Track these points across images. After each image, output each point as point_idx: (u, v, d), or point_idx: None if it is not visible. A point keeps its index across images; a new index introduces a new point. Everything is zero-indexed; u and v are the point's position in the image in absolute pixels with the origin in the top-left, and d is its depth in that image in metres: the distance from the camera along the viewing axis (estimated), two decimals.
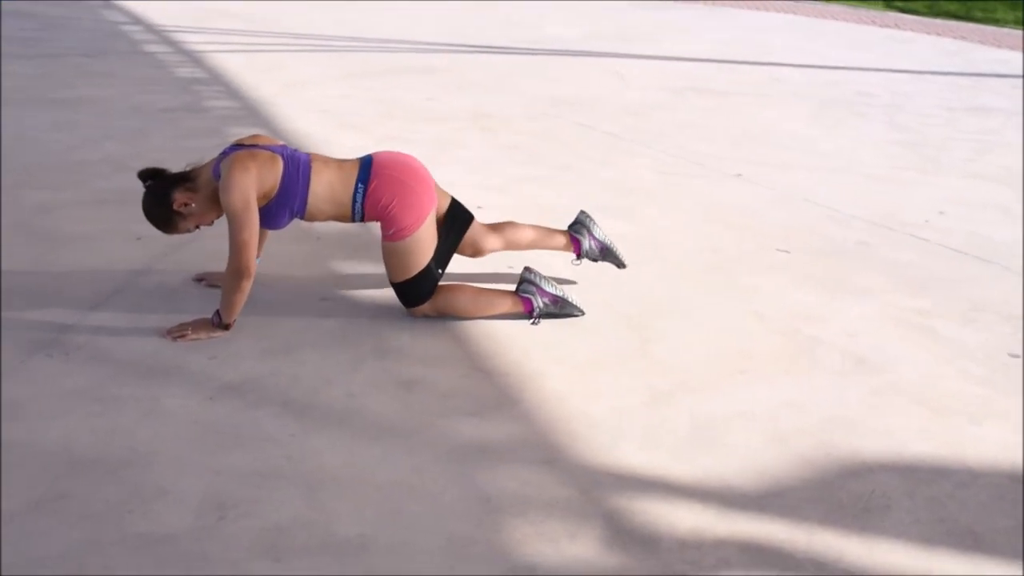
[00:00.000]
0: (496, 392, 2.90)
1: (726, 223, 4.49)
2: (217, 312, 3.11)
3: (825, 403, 2.92)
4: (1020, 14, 13.28)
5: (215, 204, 3.15)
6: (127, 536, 2.19)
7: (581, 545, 2.24)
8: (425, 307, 3.29)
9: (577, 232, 3.64)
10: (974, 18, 13.06)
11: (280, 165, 3.11)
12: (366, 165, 3.21)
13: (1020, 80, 8.74)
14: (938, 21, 12.83)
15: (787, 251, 4.15)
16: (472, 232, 3.46)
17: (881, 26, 12.36)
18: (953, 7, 13.73)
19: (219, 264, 3.63)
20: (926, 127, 6.68)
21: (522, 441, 2.65)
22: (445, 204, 3.35)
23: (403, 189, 3.15)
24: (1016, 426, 2.83)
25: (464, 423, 2.72)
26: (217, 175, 3.09)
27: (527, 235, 3.59)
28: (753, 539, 2.29)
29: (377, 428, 2.67)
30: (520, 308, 3.34)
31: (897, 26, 12.33)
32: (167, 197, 3.12)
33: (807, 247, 4.22)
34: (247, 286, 3.07)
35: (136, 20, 10.41)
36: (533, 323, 3.34)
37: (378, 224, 3.29)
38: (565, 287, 3.46)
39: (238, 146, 3.17)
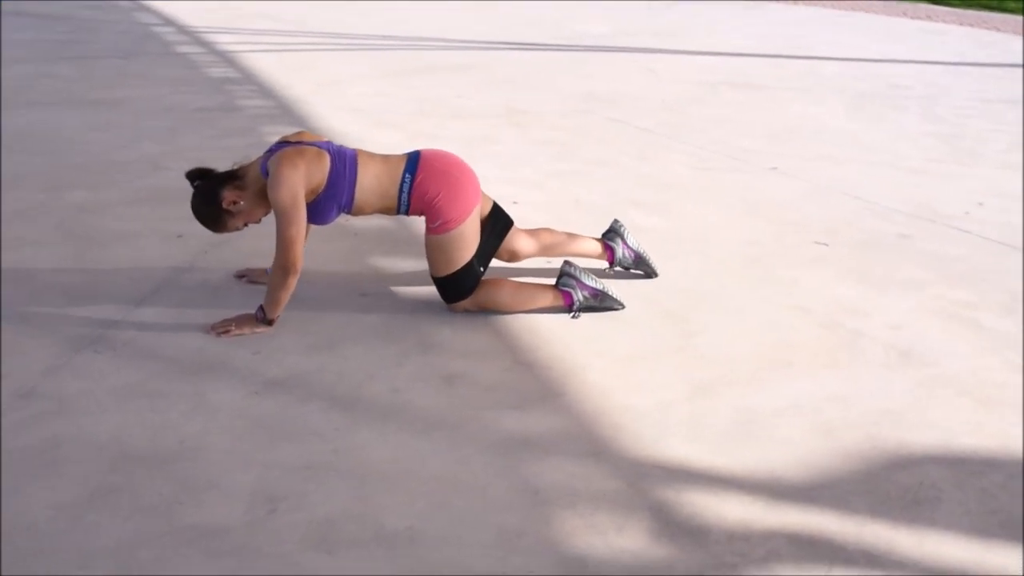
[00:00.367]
0: (539, 385, 2.90)
1: (764, 217, 4.46)
2: (261, 307, 3.13)
3: (870, 396, 2.90)
4: None
5: (263, 201, 3.17)
6: (179, 528, 2.21)
7: (629, 537, 2.24)
8: (465, 302, 3.29)
9: (611, 240, 3.63)
10: (1007, 8, 12.91)
11: (327, 161, 3.12)
12: (413, 158, 3.23)
13: None
14: (971, 12, 12.69)
15: (826, 244, 4.13)
16: (510, 237, 3.47)
17: (913, 18, 12.25)
18: None
19: (259, 261, 3.67)
20: (963, 119, 6.62)
21: (566, 434, 2.65)
22: (488, 206, 3.36)
23: (449, 181, 3.16)
24: None
25: (508, 416, 2.72)
26: (265, 172, 3.11)
27: (562, 241, 3.60)
28: (802, 531, 2.27)
29: (422, 422, 2.68)
30: (560, 302, 3.34)
31: (929, 17, 12.22)
32: (216, 196, 3.14)
33: (846, 240, 4.19)
34: (293, 282, 3.08)
35: (168, 22, 10.50)
36: (573, 317, 3.34)
37: (419, 220, 3.30)
38: (605, 281, 3.45)
39: (284, 143, 3.19)
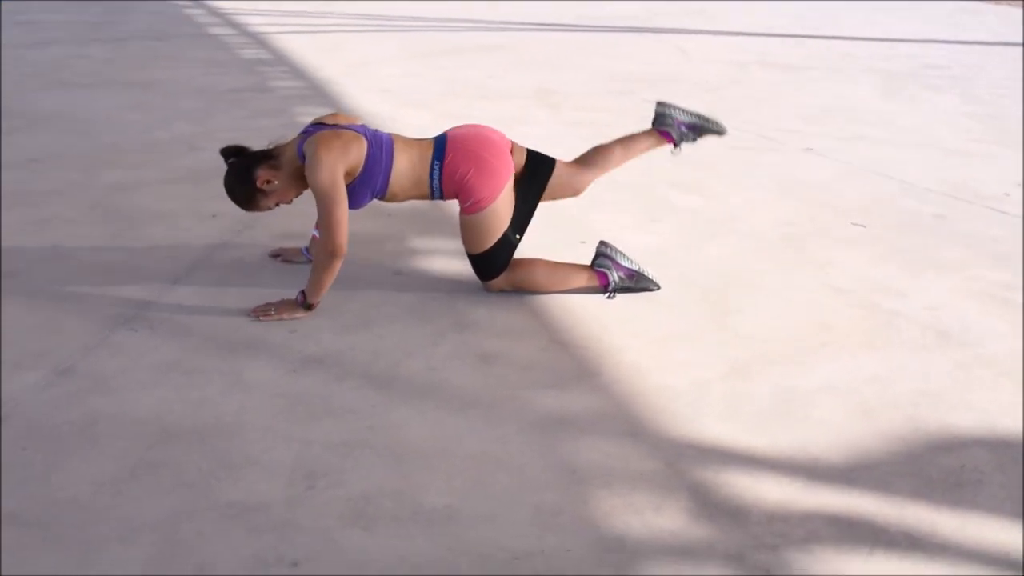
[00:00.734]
0: (575, 365, 2.90)
1: (799, 197, 4.42)
2: (302, 292, 3.13)
3: (910, 377, 2.87)
4: None
5: (296, 182, 3.17)
6: (220, 504, 2.23)
7: (668, 517, 2.23)
8: (501, 281, 3.29)
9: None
10: None
11: (364, 145, 3.10)
12: (440, 143, 3.21)
13: None
14: None
15: (863, 225, 4.08)
16: (559, 176, 3.36)
17: None
18: None
19: (293, 241, 3.68)
20: (1000, 99, 6.53)
21: (603, 413, 2.64)
22: (522, 161, 3.29)
23: (478, 162, 3.14)
24: None
25: (545, 395, 2.72)
26: (301, 154, 3.10)
27: (615, 152, 3.47)
28: (842, 512, 2.26)
29: (459, 400, 2.68)
30: (596, 282, 3.33)
31: None
32: (250, 175, 3.13)
33: (883, 221, 4.14)
34: (338, 266, 3.07)
35: (199, 3, 10.53)
36: (609, 297, 3.32)
37: (453, 200, 3.29)
38: (640, 261, 3.43)
39: (320, 125, 3.18)
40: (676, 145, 3.45)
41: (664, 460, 2.44)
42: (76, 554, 2.06)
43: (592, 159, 3.48)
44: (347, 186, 3.11)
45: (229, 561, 2.05)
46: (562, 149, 5.06)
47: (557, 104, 6.14)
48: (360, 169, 3.10)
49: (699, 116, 3.46)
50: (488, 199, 3.13)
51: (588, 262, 3.38)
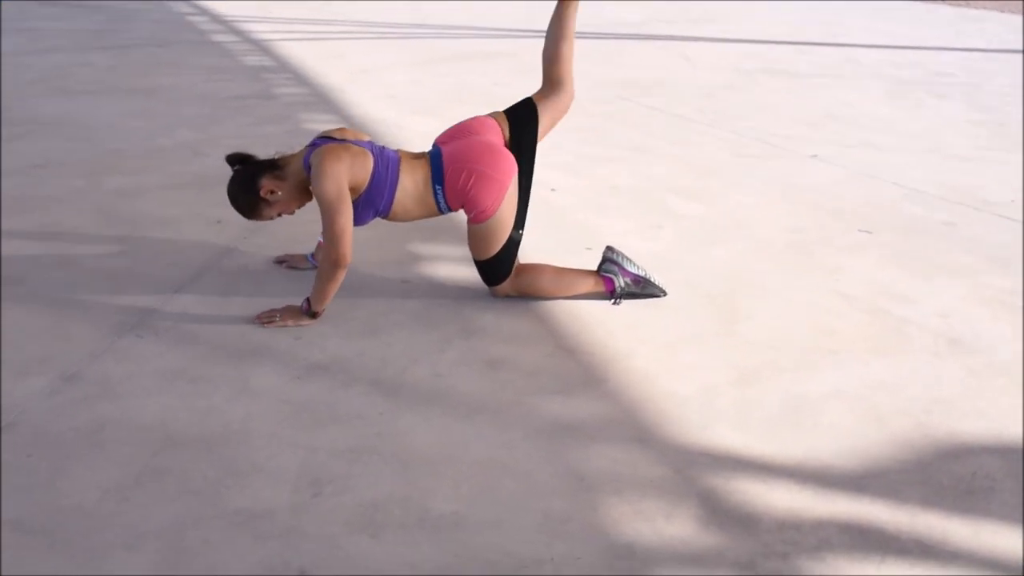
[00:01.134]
0: (582, 371, 2.88)
1: (805, 203, 4.41)
2: (307, 299, 3.11)
3: (920, 384, 2.85)
4: None
5: (300, 194, 3.16)
6: (226, 511, 2.21)
7: (678, 525, 2.21)
8: (507, 287, 3.27)
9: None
10: None
11: (371, 162, 3.08)
12: (437, 164, 3.17)
13: None
14: None
15: (869, 231, 4.07)
16: (544, 105, 3.41)
17: (951, 5, 12.08)
18: None
19: (298, 247, 3.67)
20: (1006, 106, 6.52)
21: (611, 420, 2.63)
22: (506, 130, 3.28)
23: (479, 177, 3.09)
24: None
25: (552, 401, 2.70)
26: (307, 165, 3.09)
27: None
28: (854, 520, 2.24)
29: (466, 406, 2.67)
30: (602, 288, 3.31)
31: (967, 4, 12.04)
32: (254, 183, 3.11)
33: (890, 227, 4.13)
34: (342, 276, 3.05)
35: (202, 11, 10.54)
36: (615, 303, 3.30)
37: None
38: (647, 267, 3.41)
39: (327, 138, 3.17)
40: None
41: (673, 467, 2.42)
42: (81, 561, 2.05)
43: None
44: (352, 202, 3.08)
45: (235, 568, 2.03)
46: (567, 155, 5.07)
47: None
48: (365, 187, 3.08)
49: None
50: (492, 208, 3.11)
51: (594, 268, 3.36)
